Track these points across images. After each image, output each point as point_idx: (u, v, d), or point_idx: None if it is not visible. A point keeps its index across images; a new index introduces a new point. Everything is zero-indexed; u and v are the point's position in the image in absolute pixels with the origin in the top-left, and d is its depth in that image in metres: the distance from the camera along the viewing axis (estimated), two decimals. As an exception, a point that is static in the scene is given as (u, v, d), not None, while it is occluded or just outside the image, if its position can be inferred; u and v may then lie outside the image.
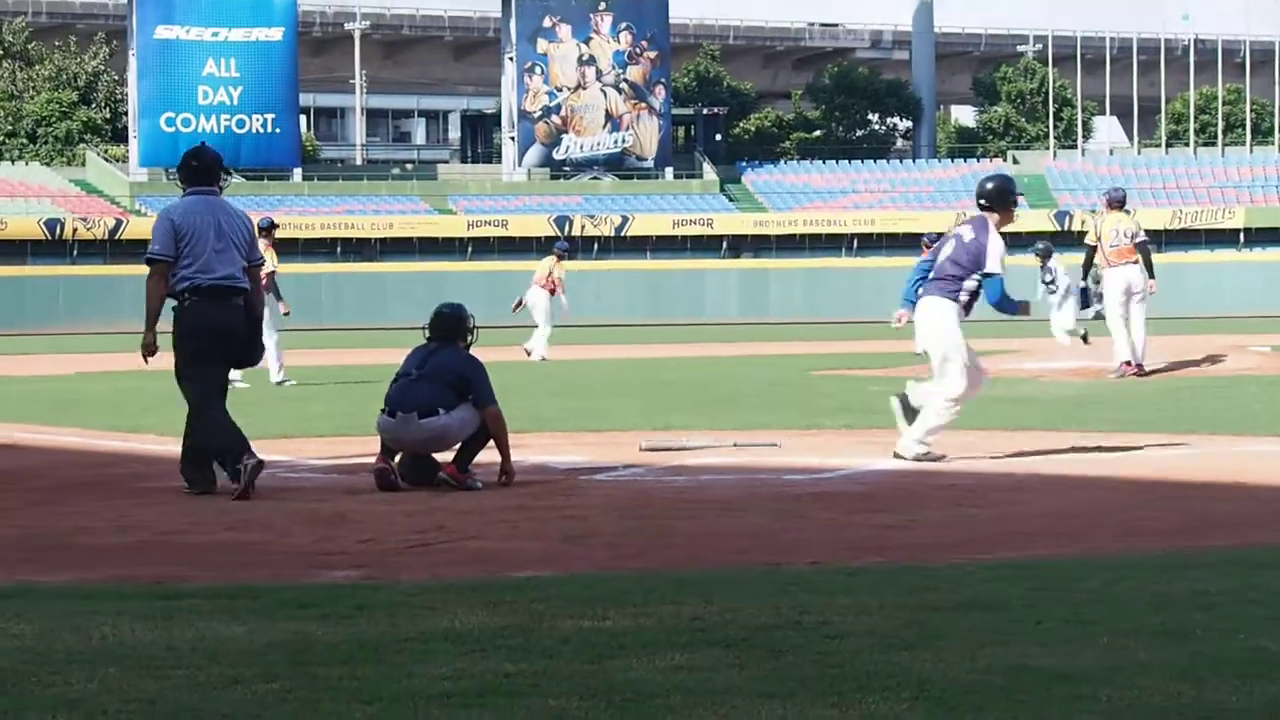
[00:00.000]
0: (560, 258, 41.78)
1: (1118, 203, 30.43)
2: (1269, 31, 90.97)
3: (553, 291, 40.61)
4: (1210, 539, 11.50)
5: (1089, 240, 29.51)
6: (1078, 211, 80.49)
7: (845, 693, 6.94)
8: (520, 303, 40.86)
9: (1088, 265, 29.84)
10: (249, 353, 15.30)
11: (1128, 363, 28.98)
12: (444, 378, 14.65)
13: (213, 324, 14.56)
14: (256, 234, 15.42)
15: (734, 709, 6.73)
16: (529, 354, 39.09)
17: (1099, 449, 17.25)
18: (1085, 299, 29.45)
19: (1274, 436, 18.25)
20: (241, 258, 14.72)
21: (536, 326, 40.49)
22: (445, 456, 14.69)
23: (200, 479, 14.45)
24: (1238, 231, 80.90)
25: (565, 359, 38.48)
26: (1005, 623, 8.44)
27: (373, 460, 14.76)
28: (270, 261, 29.44)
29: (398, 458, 14.72)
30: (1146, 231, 31.14)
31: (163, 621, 8.59)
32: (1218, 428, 19.24)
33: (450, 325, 15.00)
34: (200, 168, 14.94)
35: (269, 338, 28.75)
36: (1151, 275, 29.37)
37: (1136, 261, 29.20)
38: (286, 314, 28.77)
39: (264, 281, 29.21)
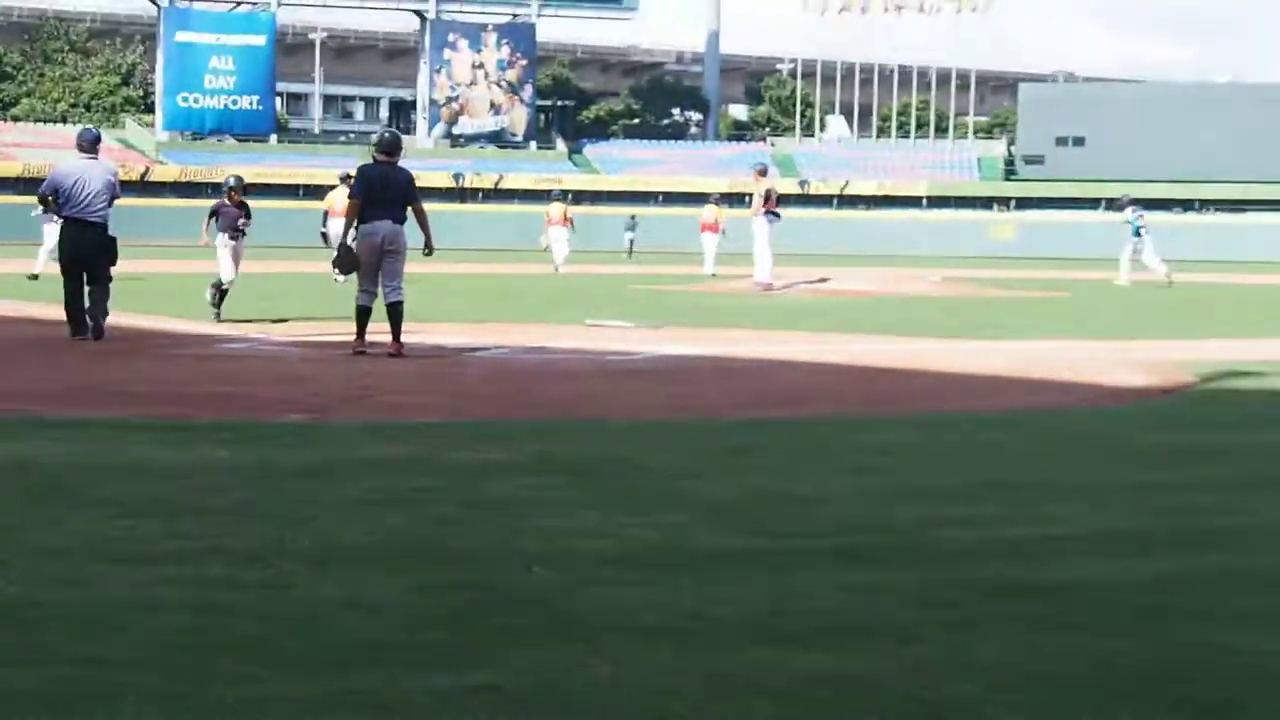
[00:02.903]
0: (718, 205, 38.32)
1: (764, 171, 31.25)
2: (947, 60, 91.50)
3: (721, 231, 37.27)
4: (895, 406, 11.65)
5: (767, 192, 30.24)
6: (813, 181, 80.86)
7: (643, 506, 7.00)
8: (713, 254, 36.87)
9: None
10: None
11: (770, 284, 29.76)
12: (401, 197, 15.07)
13: (75, 239, 15.99)
14: (113, 183, 16.27)
15: (567, 514, 6.78)
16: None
17: (822, 344, 17.39)
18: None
19: (940, 338, 18.47)
20: (104, 199, 15.94)
21: (705, 256, 37.19)
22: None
23: (77, 329, 15.80)
24: (921, 198, 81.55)
25: (468, 273, 38.25)
26: (756, 460, 8.53)
27: (324, 338, 14.68)
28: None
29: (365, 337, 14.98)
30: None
31: (172, 447, 8.54)
32: (902, 331, 19.45)
33: (397, 144, 15.45)
34: (94, 141, 16.56)
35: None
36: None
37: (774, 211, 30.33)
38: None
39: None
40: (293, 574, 5.61)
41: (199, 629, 4.87)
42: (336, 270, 16.19)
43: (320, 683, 4.36)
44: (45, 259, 28.70)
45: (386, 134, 15.56)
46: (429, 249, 15.27)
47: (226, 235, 19.42)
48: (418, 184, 15.44)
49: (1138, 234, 35.43)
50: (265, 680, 4.36)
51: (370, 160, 15.45)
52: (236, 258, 19.48)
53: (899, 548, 6.25)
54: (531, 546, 6.11)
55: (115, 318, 16.53)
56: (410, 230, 14.98)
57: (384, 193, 14.96)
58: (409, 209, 15.13)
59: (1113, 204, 77.82)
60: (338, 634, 4.84)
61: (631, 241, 58.91)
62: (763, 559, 5.99)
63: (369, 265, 15.03)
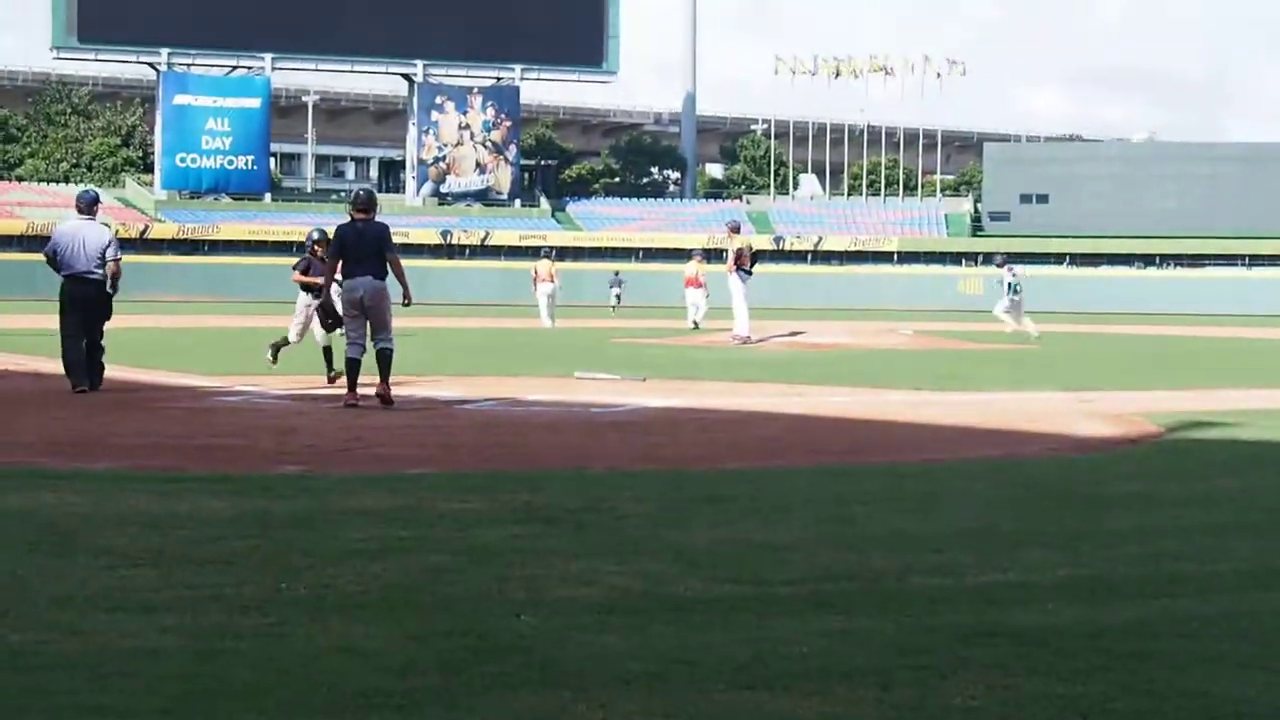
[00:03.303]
0: (701, 261, 39.22)
1: (736, 228, 31.11)
2: (915, 120, 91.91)
3: (700, 285, 37.67)
4: (869, 456, 11.64)
5: (739, 250, 29.94)
6: (788, 237, 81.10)
7: (626, 555, 6.98)
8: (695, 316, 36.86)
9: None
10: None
11: (747, 337, 29.44)
12: (376, 251, 15.08)
13: (74, 296, 16.19)
14: (108, 244, 16.41)
15: (552, 563, 6.75)
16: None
17: (798, 395, 17.40)
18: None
19: (912, 390, 18.48)
20: (96, 258, 16.14)
21: (688, 310, 37.44)
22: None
23: (77, 381, 15.93)
24: (893, 253, 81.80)
25: (456, 327, 38.24)
26: (732, 510, 8.51)
27: (316, 391, 14.64)
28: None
29: (359, 390, 14.91)
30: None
31: (169, 497, 8.50)
32: (876, 382, 19.46)
33: (371, 201, 15.53)
34: (91, 203, 16.71)
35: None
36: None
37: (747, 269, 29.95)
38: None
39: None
40: (289, 622, 5.57)
41: (197, 676, 4.84)
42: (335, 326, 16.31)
43: (315, 729, 4.33)
44: None
45: (361, 191, 15.75)
46: (407, 300, 15.32)
47: (310, 294, 19.21)
48: (408, 241, 15.53)
49: (1016, 291, 36.03)
50: (262, 727, 4.32)
51: (348, 218, 15.44)
52: (310, 318, 19.17)
53: (876, 594, 6.23)
54: (519, 594, 6.09)
55: (113, 371, 16.53)
56: (391, 283, 15.08)
57: (360, 249, 15.06)
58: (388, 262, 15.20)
59: (1080, 260, 78.36)
60: (333, 680, 4.81)
61: (618, 297, 59.31)
62: (744, 606, 5.97)
63: (354, 320, 15.13)
